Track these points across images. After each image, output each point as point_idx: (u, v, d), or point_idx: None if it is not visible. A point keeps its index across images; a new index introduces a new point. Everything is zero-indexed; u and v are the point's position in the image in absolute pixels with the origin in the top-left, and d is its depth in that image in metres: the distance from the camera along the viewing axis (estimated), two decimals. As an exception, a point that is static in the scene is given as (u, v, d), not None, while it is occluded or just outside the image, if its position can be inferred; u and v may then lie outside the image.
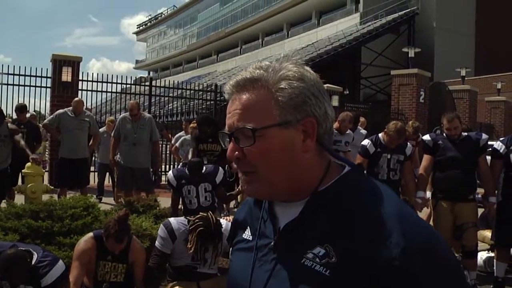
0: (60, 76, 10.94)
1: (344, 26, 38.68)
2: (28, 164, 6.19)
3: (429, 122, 15.43)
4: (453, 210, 5.00)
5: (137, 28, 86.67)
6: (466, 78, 25.52)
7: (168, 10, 77.17)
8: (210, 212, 4.12)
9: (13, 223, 4.26)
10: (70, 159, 7.39)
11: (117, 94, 13.70)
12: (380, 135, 5.37)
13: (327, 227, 0.93)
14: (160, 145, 9.97)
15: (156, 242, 4.03)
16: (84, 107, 8.17)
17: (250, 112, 0.97)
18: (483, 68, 31.59)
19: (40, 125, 9.04)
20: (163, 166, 12.74)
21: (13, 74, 10.89)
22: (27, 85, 11.05)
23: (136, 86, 14.42)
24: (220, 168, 4.89)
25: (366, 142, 5.45)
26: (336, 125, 6.89)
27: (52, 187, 6.69)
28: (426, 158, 5.21)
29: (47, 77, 11.14)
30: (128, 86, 13.57)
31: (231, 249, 1.17)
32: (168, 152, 12.63)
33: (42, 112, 14.77)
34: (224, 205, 7.49)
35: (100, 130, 8.97)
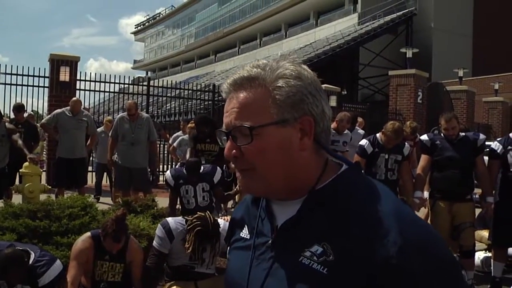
0: (58, 76, 10.93)
1: (342, 27, 38.76)
2: (26, 163, 6.18)
3: (427, 123, 15.45)
4: (451, 210, 5.01)
5: (135, 28, 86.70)
6: (463, 79, 25.58)
7: (166, 10, 77.20)
8: (208, 212, 4.12)
9: (11, 223, 4.25)
10: (67, 158, 7.38)
11: (115, 94, 13.70)
12: (377, 135, 5.38)
13: (324, 225, 0.93)
14: (158, 145, 9.95)
15: (154, 241, 4.03)
16: (82, 107, 8.16)
17: (248, 110, 0.97)
18: (480, 68, 31.64)
19: (38, 124, 9.02)
20: (160, 166, 12.74)
21: (11, 74, 10.88)
22: (25, 85, 11.04)
23: (134, 86, 14.41)
24: (218, 168, 4.88)
25: (363, 142, 5.46)
26: (334, 125, 6.89)
27: (50, 187, 6.68)
28: (423, 158, 5.22)
29: (45, 77, 11.13)
30: (126, 86, 13.56)
31: (228, 247, 1.17)
32: (166, 152, 12.63)
33: (40, 112, 14.76)
34: (222, 205, 7.48)
35: (98, 130, 8.96)
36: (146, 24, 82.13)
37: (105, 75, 12.32)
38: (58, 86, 10.88)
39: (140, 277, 3.86)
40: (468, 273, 4.92)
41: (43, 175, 8.56)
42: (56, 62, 11.03)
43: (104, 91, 12.40)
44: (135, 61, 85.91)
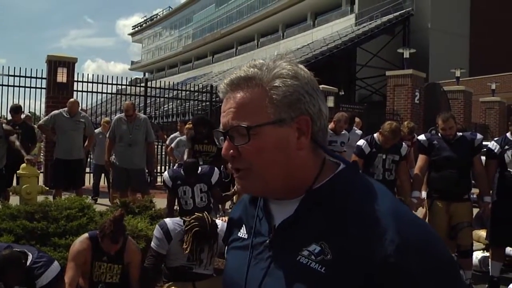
0: (55, 77, 10.92)
1: (339, 27, 38.75)
2: (23, 165, 6.18)
3: (424, 123, 15.48)
4: (448, 210, 5.02)
5: (133, 29, 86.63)
6: (460, 79, 25.62)
7: (164, 11, 77.14)
8: (206, 212, 4.12)
9: (8, 224, 4.24)
10: (65, 160, 7.36)
11: (113, 95, 13.69)
12: (375, 135, 5.38)
13: (322, 224, 0.94)
14: (156, 146, 9.95)
15: (152, 242, 4.03)
16: (80, 108, 8.15)
17: (245, 110, 0.97)
18: (477, 68, 31.70)
19: (35, 126, 9.01)
20: (158, 167, 12.73)
21: (8, 75, 10.87)
22: (22, 86, 11.04)
23: (132, 87, 14.40)
24: (215, 168, 4.88)
25: (361, 142, 5.46)
26: (331, 125, 6.90)
27: (47, 188, 6.68)
28: (421, 158, 5.22)
29: (42, 78, 11.12)
30: (123, 87, 13.56)
31: (226, 247, 1.17)
32: (163, 153, 12.62)
33: (37, 113, 14.74)
34: (220, 206, 7.48)
35: (96, 131, 8.95)
36: (144, 25, 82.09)
37: (103, 76, 12.33)
38: (55, 87, 10.88)
39: (138, 278, 3.86)
40: (466, 272, 4.92)
41: (41, 176, 8.55)
42: (54, 63, 11.02)
43: (102, 92, 12.38)
44: (132, 62, 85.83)
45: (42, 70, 11.18)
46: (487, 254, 5.62)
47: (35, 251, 3.37)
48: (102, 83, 12.15)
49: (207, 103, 14.41)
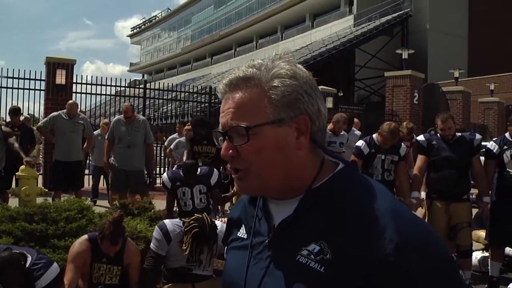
0: (54, 79, 10.92)
1: (338, 28, 38.75)
2: (22, 167, 6.17)
3: (423, 123, 15.49)
4: (448, 210, 5.02)
5: (131, 31, 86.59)
6: (459, 79, 25.67)
7: (162, 12, 77.15)
8: (205, 213, 4.12)
9: (7, 226, 4.23)
10: (64, 161, 7.36)
11: (111, 97, 13.68)
12: (374, 136, 5.38)
13: (321, 224, 0.94)
14: (155, 148, 9.95)
15: (151, 244, 4.03)
16: (78, 109, 8.15)
17: (244, 110, 0.97)
18: (476, 69, 31.72)
19: (34, 127, 9.01)
20: (157, 169, 12.72)
21: (7, 77, 10.86)
22: (21, 88, 11.03)
23: (131, 88, 14.40)
24: (215, 169, 4.88)
25: (360, 143, 5.46)
26: (330, 126, 6.91)
27: (46, 190, 6.67)
28: (420, 159, 5.23)
29: (41, 80, 11.11)
30: (122, 88, 13.55)
31: (226, 247, 1.17)
32: (162, 154, 12.62)
33: (36, 115, 14.73)
34: (219, 207, 7.48)
35: (95, 132, 8.95)
36: (142, 27, 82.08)
37: (102, 78, 12.33)
38: (54, 89, 10.87)
39: (138, 279, 3.86)
40: (466, 273, 4.92)
41: (40, 178, 8.55)
42: (52, 65, 11.02)
43: (101, 94, 12.38)
44: (131, 64, 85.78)
45: (41, 72, 11.19)
46: (487, 254, 5.63)
47: (34, 252, 3.37)
48: (101, 85, 12.15)
49: (206, 104, 14.40)
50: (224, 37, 57.19)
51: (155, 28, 77.41)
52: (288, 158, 0.97)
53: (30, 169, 6.23)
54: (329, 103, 14.13)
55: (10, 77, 10.88)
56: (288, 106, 0.96)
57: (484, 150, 5.28)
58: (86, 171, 9.92)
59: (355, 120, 8.57)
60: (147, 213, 5.23)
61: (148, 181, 8.09)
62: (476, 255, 5.73)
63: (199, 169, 4.72)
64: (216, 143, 1.04)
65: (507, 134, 5.16)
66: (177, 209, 4.63)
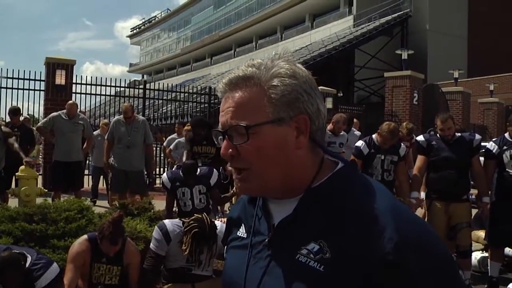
0: (54, 79, 10.93)
1: (337, 29, 38.76)
2: (22, 167, 6.17)
3: (423, 124, 15.49)
4: (447, 210, 5.02)
5: (131, 31, 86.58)
6: (459, 80, 25.68)
7: (162, 13, 77.12)
8: (205, 214, 4.12)
9: (7, 226, 4.24)
10: (64, 162, 7.35)
11: (111, 97, 13.68)
12: (373, 136, 5.39)
13: (321, 223, 0.94)
14: (154, 148, 9.95)
15: (151, 244, 4.03)
16: (78, 110, 8.15)
17: (243, 109, 0.97)
18: (476, 69, 31.73)
19: (34, 128, 9.01)
20: (157, 169, 12.72)
21: (7, 77, 10.87)
22: (20, 88, 11.04)
23: (130, 89, 14.40)
24: (214, 170, 4.89)
25: (360, 143, 5.47)
26: (330, 126, 6.92)
27: (46, 190, 6.67)
28: (420, 159, 5.23)
29: (40, 80, 11.12)
30: (122, 89, 13.56)
31: (225, 247, 1.18)
32: (162, 155, 12.63)
33: (36, 115, 14.73)
34: (219, 207, 7.48)
35: (94, 133, 8.95)
36: (142, 27, 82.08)
37: (101, 78, 12.35)
38: (54, 90, 10.88)
39: (137, 279, 3.86)
40: (465, 273, 4.93)
41: (39, 178, 8.55)
42: (52, 65, 11.03)
43: (100, 95, 12.38)
44: (131, 64, 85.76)
45: (40, 72, 11.20)
46: (486, 254, 5.63)
47: (34, 253, 3.37)
48: (101, 85, 12.16)
49: (206, 105, 14.40)
50: (224, 37, 57.19)
51: (155, 28, 77.41)
52: (287, 157, 0.97)
53: (30, 170, 6.24)
54: (329, 103, 14.14)
55: (10, 78, 10.90)
56: (288, 105, 0.96)
57: (483, 150, 5.28)
58: (86, 172, 9.92)
59: (355, 120, 8.57)
60: (146, 213, 5.23)
61: (147, 181, 8.08)
62: (476, 255, 5.73)
63: (198, 170, 4.72)
64: (216, 142, 1.04)
65: (506, 135, 5.16)
66: (177, 210, 4.63)
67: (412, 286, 0.86)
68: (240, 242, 1.09)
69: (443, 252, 0.92)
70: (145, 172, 7.86)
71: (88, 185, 9.68)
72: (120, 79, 12.95)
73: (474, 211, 5.30)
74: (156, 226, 4.12)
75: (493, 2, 35.44)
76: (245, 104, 0.97)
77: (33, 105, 20.31)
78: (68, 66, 11.22)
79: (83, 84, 11.75)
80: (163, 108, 22.51)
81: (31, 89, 11.14)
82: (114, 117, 8.25)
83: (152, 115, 18.39)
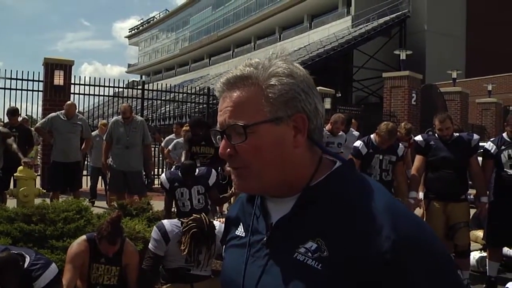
0: (52, 80, 10.92)
1: (336, 29, 38.81)
2: (20, 167, 6.16)
3: (421, 124, 15.51)
4: (446, 210, 5.03)
5: (129, 32, 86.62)
6: (457, 80, 25.70)
7: (160, 14, 77.16)
8: (203, 214, 4.13)
9: (5, 227, 4.23)
10: (63, 162, 7.36)
11: (110, 98, 13.67)
12: (372, 136, 5.40)
13: (318, 221, 0.94)
14: (153, 149, 9.94)
15: (150, 244, 4.03)
16: (77, 110, 8.15)
17: (241, 109, 0.97)
18: (474, 70, 31.78)
19: (32, 128, 9.00)
20: (155, 170, 12.72)
21: (5, 78, 10.85)
22: (19, 89, 11.02)
23: (129, 89, 14.40)
24: (213, 170, 4.89)
25: (358, 143, 5.48)
26: (328, 127, 6.92)
27: (44, 191, 6.66)
28: (418, 159, 5.24)
29: (39, 81, 11.11)
30: (120, 89, 13.56)
31: (224, 246, 1.18)
32: (160, 155, 12.62)
33: (34, 116, 14.70)
34: (217, 208, 7.48)
35: (93, 133, 8.95)
36: (140, 28, 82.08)
37: (100, 79, 12.33)
38: (52, 90, 10.87)
39: (136, 279, 3.86)
40: (464, 273, 4.93)
41: (38, 179, 8.54)
42: (50, 66, 11.02)
43: (99, 95, 12.37)
44: (129, 65, 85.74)
45: (39, 72, 11.21)
46: (484, 254, 5.64)
47: (33, 253, 3.36)
48: (99, 86, 12.15)
49: (204, 105, 14.41)
50: (222, 38, 57.22)
51: (153, 29, 77.42)
52: (285, 156, 0.97)
53: (28, 170, 6.23)
54: (327, 104, 14.14)
55: (8, 78, 10.88)
56: (285, 105, 0.97)
57: (481, 150, 5.29)
58: (84, 172, 9.92)
59: (353, 120, 8.57)
60: (145, 214, 5.23)
61: (146, 181, 8.08)
62: (474, 255, 5.74)
63: (197, 170, 4.72)
64: (214, 142, 1.04)
65: (504, 135, 5.17)
66: (176, 210, 4.63)
67: (410, 284, 0.86)
68: (239, 241, 1.09)
69: (441, 251, 0.93)
70: (144, 173, 7.85)
71: (87, 186, 9.68)
72: (119, 80, 12.97)
73: (472, 211, 5.31)
74: (154, 226, 4.12)
75: (491, 2, 35.52)
76: (243, 104, 0.98)
77: (32, 106, 20.33)
78: (66, 66, 11.22)
79: (82, 84, 11.75)
80: (162, 109, 22.52)
81: (30, 90, 11.13)
82: (113, 118, 8.25)
83: (150, 116, 18.38)
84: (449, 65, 28.14)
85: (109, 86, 12.34)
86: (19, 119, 8.65)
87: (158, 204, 5.83)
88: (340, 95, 26.94)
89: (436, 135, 5.17)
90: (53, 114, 7.65)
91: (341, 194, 0.95)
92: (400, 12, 35.83)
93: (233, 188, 5.33)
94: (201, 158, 6.55)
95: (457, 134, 5.18)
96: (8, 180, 7.30)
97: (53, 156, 7.57)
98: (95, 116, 16.24)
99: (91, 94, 12.13)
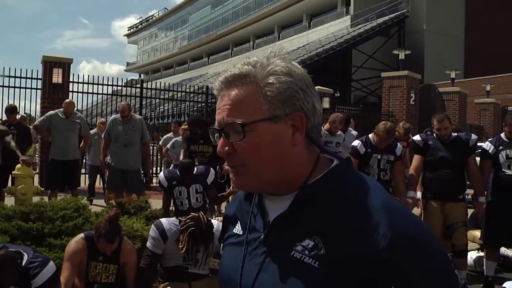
0: (51, 78, 10.89)
1: (335, 29, 38.85)
2: (19, 165, 6.15)
3: (420, 124, 15.51)
4: (443, 210, 5.03)
5: (128, 30, 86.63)
6: (456, 80, 25.74)
7: (159, 12, 77.16)
8: (201, 212, 4.13)
9: (3, 225, 4.23)
10: (61, 160, 7.35)
11: (108, 96, 13.67)
12: (370, 135, 5.40)
13: (316, 219, 0.95)
14: (151, 147, 9.93)
15: (148, 242, 4.02)
16: (75, 108, 8.14)
17: (239, 107, 0.98)
18: (472, 70, 31.84)
19: (31, 126, 8.99)
20: (153, 168, 12.71)
21: (3, 76, 10.83)
22: (17, 87, 11.01)
23: (127, 88, 14.38)
24: (211, 169, 4.88)
25: (356, 143, 5.48)
26: (327, 126, 6.93)
27: (43, 189, 6.66)
28: (416, 158, 5.24)
29: (37, 79, 11.09)
30: (119, 88, 13.55)
31: (222, 244, 1.18)
32: (158, 154, 12.62)
33: (32, 114, 14.71)
34: (216, 206, 7.48)
35: (91, 132, 8.94)
36: (139, 26, 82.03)
37: (98, 77, 12.31)
38: (50, 88, 10.85)
39: (134, 278, 3.86)
40: (461, 272, 4.94)
41: (36, 177, 8.53)
42: (49, 64, 11.00)
43: (97, 93, 12.38)
44: (128, 64, 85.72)
45: (37, 70, 11.17)
46: (482, 254, 5.65)
47: (31, 251, 3.36)
48: (98, 84, 12.14)
49: (203, 104, 14.40)
50: (221, 37, 57.22)
51: (152, 27, 77.39)
52: (283, 154, 0.98)
53: (27, 168, 6.22)
54: (326, 103, 14.13)
55: (6, 76, 10.86)
56: (284, 103, 0.97)
57: (479, 150, 5.29)
58: (83, 170, 9.90)
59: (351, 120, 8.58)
60: (143, 212, 5.23)
61: (144, 180, 8.07)
62: (472, 255, 5.75)
63: (195, 169, 4.72)
64: (212, 140, 1.05)
65: (502, 135, 5.18)
66: (174, 208, 4.63)
67: (406, 282, 0.87)
68: (236, 239, 1.10)
69: (438, 250, 0.93)
70: (142, 171, 7.85)
71: (85, 184, 9.67)
72: (117, 78, 12.95)
73: (470, 211, 5.32)
74: (152, 225, 4.12)
75: (489, 2, 35.57)
76: (241, 102, 0.98)
77: (30, 104, 20.38)
78: (65, 64, 11.19)
79: (80, 82, 11.73)
80: (160, 107, 22.52)
81: (28, 88, 11.12)
82: (111, 116, 8.25)
83: (149, 114, 18.40)
84: (448, 65, 28.19)
85: (107, 85, 12.34)
86: (18, 117, 8.63)
87: (156, 203, 5.83)
88: (338, 94, 26.97)
89: (434, 135, 5.17)
90: (51, 112, 7.64)
91: (338, 192, 0.96)
92: (399, 12, 35.88)
93: (231, 186, 5.34)
94: (199, 157, 6.55)
95: (455, 134, 5.19)
96: (6, 178, 7.28)
97: (51, 154, 7.56)
98: (93, 114, 16.25)
99: (90, 92, 12.12)
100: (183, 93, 14.42)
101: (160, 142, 9.88)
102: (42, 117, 7.98)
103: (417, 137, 5.35)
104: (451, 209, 5.01)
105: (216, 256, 4.16)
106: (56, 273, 3.37)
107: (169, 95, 15.50)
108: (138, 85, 13.67)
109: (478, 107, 22.36)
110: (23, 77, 11.00)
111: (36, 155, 11.58)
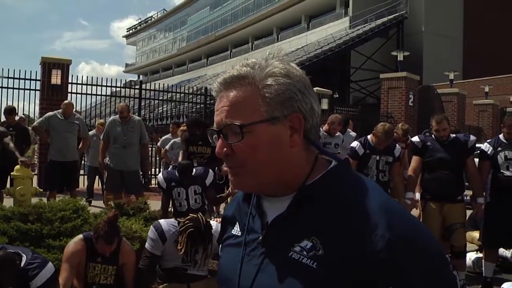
0: (50, 79, 10.89)
1: (333, 30, 38.85)
2: (17, 166, 6.15)
3: (418, 125, 15.52)
4: (442, 211, 5.04)
5: (127, 31, 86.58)
6: (454, 82, 25.77)
7: (158, 13, 77.15)
8: (200, 213, 4.13)
9: (2, 226, 4.23)
10: (59, 161, 7.34)
11: (107, 98, 13.65)
12: (368, 136, 5.41)
13: (314, 220, 0.95)
14: (150, 148, 9.94)
15: (146, 244, 4.03)
16: (74, 110, 8.13)
17: (238, 108, 0.98)
18: (471, 71, 31.86)
19: (29, 127, 8.98)
20: (152, 169, 12.71)
21: (2, 77, 10.82)
22: (16, 88, 10.99)
23: (126, 89, 14.38)
24: (210, 170, 4.88)
25: (355, 144, 5.49)
26: (325, 127, 6.94)
27: (41, 190, 6.65)
28: (415, 160, 5.25)
29: (36, 80, 11.08)
30: (117, 89, 13.54)
31: (220, 245, 1.18)
32: (157, 155, 12.62)
33: (31, 115, 14.68)
34: (214, 208, 7.47)
35: (90, 133, 8.93)
36: (138, 27, 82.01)
37: (97, 78, 12.30)
38: (49, 89, 10.85)
39: (133, 279, 3.86)
40: (460, 273, 4.94)
41: (35, 178, 8.53)
42: (48, 65, 10.99)
43: (96, 95, 12.35)
44: (127, 65, 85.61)
45: (36, 72, 11.16)
46: (481, 255, 5.65)
47: (29, 252, 3.36)
48: (97, 85, 12.12)
49: (202, 105, 14.40)
50: (220, 38, 57.21)
51: (151, 29, 77.37)
52: (282, 156, 0.98)
53: (25, 169, 6.22)
54: (324, 104, 14.13)
55: (5, 77, 10.84)
56: (282, 104, 0.97)
57: (478, 151, 5.30)
58: (81, 172, 9.90)
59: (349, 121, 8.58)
60: (142, 213, 5.23)
61: (143, 181, 8.07)
62: (470, 256, 5.75)
63: (194, 170, 4.72)
64: (211, 141, 1.05)
65: (501, 136, 5.19)
66: (172, 210, 4.63)
67: (405, 284, 0.87)
68: (235, 240, 1.10)
69: (436, 250, 0.94)
70: (141, 172, 7.85)
71: (84, 185, 9.66)
72: (116, 79, 12.97)
73: (468, 212, 5.32)
74: (151, 226, 4.12)
75: (488, 4, 35.62)
76: (240, 103, 0.98)
77: (29, 105, 20.26)
78: (63, 65, 11.19)
79: (79, 84, 11.72)
80: (159, 109, 22.50)
81: (27, 89, 11.10)
82: (110, 117, 8.24)
83: (148, 116, 18.36)
84: (447, 67, 28.22)
85: (106, 86, 12.32)
86: (16, 118, 8.62)
87: (155, 204, 5.83)
88: (337, 96, 26.99)
89: (433, 136, 5.18)
90: (50, 113, 7.63)
91: (337, 193, 0.96)
92: (398, 13, 35.91)
93: (230, 188, 5.34)
94: (198, 158, 6.54)
95: (454, 135, 5.19)
96: (5, 179, 7.28)
97: (50, 155, 7.55)
98: (92, 116, 16.24)
99: (89, 94, 12.10)
100: (182, 94, 14.41)
101: (159, 143, 9.88)
102: (41, 118, 7.97)
103: (415, 138, 5.36)
104: (450, 210, 5.01)
105: (215, 257, 4.17)
106: (55, 274, 3.37)
107: (168, 96, 15.48)
108: (137, 86, 13.67)
109: (476, 108, 22.40)
110: (22, 78, 10.98)
111: (35, 156, 11.58)
